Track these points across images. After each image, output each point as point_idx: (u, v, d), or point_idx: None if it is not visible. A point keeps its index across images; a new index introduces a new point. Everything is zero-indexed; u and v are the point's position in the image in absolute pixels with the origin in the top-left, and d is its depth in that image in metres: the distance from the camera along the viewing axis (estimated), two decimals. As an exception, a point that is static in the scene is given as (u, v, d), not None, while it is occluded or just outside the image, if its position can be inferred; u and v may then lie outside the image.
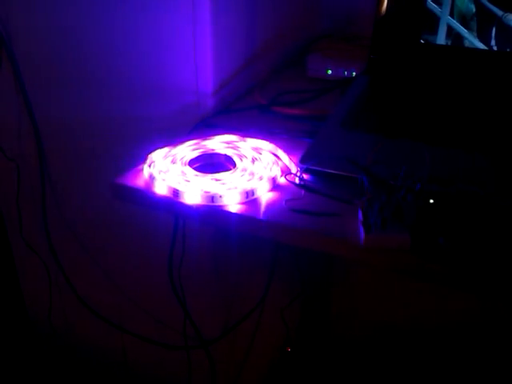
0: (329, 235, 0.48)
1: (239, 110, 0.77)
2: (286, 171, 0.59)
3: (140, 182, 0.58)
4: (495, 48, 0.74)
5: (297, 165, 0.58)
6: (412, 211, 0.47)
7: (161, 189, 0.56)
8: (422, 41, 0.77)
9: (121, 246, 0.96)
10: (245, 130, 0.68)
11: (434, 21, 0.76)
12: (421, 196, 0.48)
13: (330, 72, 0.88)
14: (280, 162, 0.61)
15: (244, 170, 0.58)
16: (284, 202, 0.53)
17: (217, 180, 0.56)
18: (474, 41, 0.75)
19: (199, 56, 0.73)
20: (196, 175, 0.57)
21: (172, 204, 0.55)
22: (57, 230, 1.00)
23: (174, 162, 0.60)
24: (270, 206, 0.53)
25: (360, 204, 0.49)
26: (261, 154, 0.62)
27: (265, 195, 0.55)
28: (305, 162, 0.57)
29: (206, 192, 0.54)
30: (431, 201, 0.48)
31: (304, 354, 1.29)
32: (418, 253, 0.45)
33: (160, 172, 0.58)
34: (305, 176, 0.57)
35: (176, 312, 0.86)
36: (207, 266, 0.88)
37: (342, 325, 1.35)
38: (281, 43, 0.94)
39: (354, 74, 0.86)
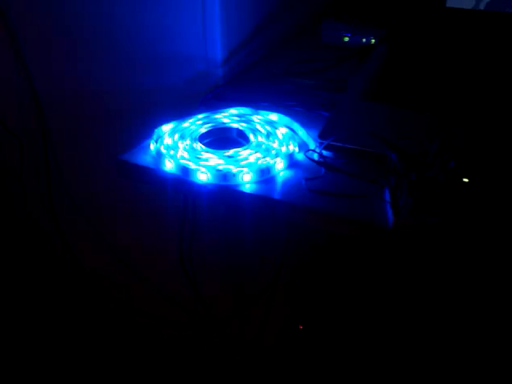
0: (352, 218, 0.44)
1: (251, 81, 0.73)
2: (304, 147, 0.55)
3: (147, 158, 0.54)
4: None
5: (315, 140, 0.54)
6: (445, 191, 0.43)
7: (169, 166, 0.52)
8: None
9: (129, 225, 0.93)
10: (257, 102, 0.64)
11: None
12: (454, 174, 0.44)
13: (346, 39, 0.83)
14: (297, 137, 0.57)
15: (258, 145, 0.54)
16: (302, 181, 0.49)
17: (229, 157, 0.52)
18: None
19: (208, 22, 0.68)
20: (207, 151, 0.53)
21: (181, 182, 0.51)
22: (62, 207, 0.97)
23: (182, 137, 0.56)
24: (287, 185, 0.49)
25: (387, 183, 0.45)
26: (276, 128, 0.57)
27: (281, 173, 0.51)
28: (324, 137, 0.53)
29: (217, 170, 0.50)
30: (465, 180, 0.44)
31: (316, 331, 1.28)
32: (451, 236, 0.41)
33: (168, 148, 0.54)
34: (325, 152, 0.53)
35: (187, 292, 0.84)
36: (218, 245, 0.85)
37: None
38: (293, 8, 0.88)
39: (374, 41, 0.81)
